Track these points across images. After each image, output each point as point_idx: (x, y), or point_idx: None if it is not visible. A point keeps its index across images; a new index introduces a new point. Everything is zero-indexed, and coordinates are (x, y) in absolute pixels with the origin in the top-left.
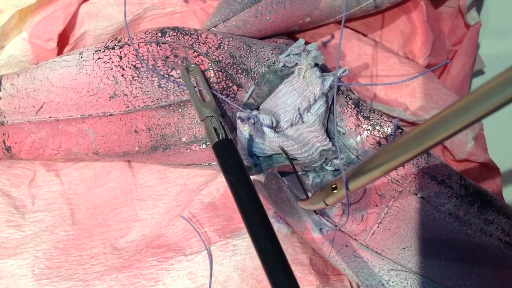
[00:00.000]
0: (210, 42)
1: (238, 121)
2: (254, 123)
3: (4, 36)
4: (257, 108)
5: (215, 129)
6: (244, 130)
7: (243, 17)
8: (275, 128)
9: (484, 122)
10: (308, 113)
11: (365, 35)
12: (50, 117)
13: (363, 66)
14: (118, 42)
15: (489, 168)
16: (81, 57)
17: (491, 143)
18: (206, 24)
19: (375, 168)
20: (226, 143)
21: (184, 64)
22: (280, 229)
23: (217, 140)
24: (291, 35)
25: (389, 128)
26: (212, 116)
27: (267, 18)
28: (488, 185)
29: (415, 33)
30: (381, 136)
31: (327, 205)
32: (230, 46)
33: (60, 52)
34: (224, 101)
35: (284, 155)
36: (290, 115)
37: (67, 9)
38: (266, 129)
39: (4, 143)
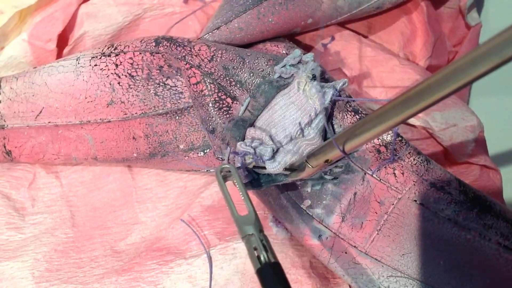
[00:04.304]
0: (203, 55)
1: (236, 157)
2: (252, 158)
3: (4, 37)
4: (252, 124)
5: (255, 249)
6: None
7: (246, 19)
8: (275, 152)
9: (484, 124)
10: (309, 128)
11: (365, 37)
12: (49, 122)
13: (364, 67)
14: (115, 49)
15: (489, 170)
16: (78, 63)
17: (492, 145)
18: (208, 26)
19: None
20: (271, 269)
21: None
22: (278, 234)
23: (259, 266)
24: (292, 36)
25: (389, 135)
26: (252, 234)
27: (270, 19)
28: (489, 187)
29: (416, 34)
30: (381, 144)
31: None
32: (223, 58)
33: (59, 52)
34: (217, 114)
35: (284, 175)
36: (290, 130)
37: (67, 9)
38: (267, 163)
39: (5, 147)
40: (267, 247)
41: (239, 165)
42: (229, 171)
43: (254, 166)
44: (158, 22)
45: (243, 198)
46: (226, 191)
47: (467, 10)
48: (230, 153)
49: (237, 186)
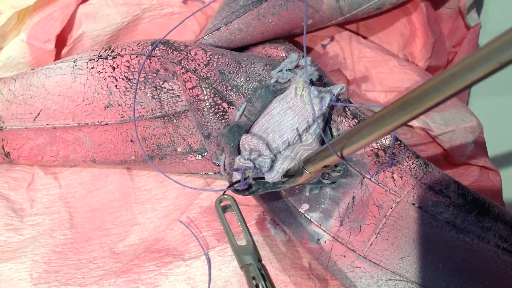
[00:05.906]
0: (199, 59)
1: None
2: (252, 171)
3: (2, 38)
4: (248, 130)
5: (253, 278)
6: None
7: (246, 20)
8: (274, 161)
9: (484, 125)
10: (307, 133)
11: (365, 37)
12: (47, 124)
13: (363, 68)
14: (112, 52)
15: (489, 171)
16: (75, 65)
17: (491, 146)
18: (208, 27)
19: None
20: None
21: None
22: (276, 235)
23: None
24: (292, 38)
25: (387, 139)
26: (251, 264)
27: (270, 20)
28: (488, 188)
29: (415, 35)
30: (379, 148)
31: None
32: (219, 63)
33: (58, 53)
34: (212, 118)
35: (281, 182)
36: (287, 136)
37: (65, 10)
38: (266, 174)
39: (3, 148)
40: (266, 277)
41: (238, 177)
42: (228, 202)
43: (253, 178)
44: (157, 23)
45: (242, 229)
46: (226, 222)
47: (466, 10)
48: (233, 171)
49: (236, 217)
